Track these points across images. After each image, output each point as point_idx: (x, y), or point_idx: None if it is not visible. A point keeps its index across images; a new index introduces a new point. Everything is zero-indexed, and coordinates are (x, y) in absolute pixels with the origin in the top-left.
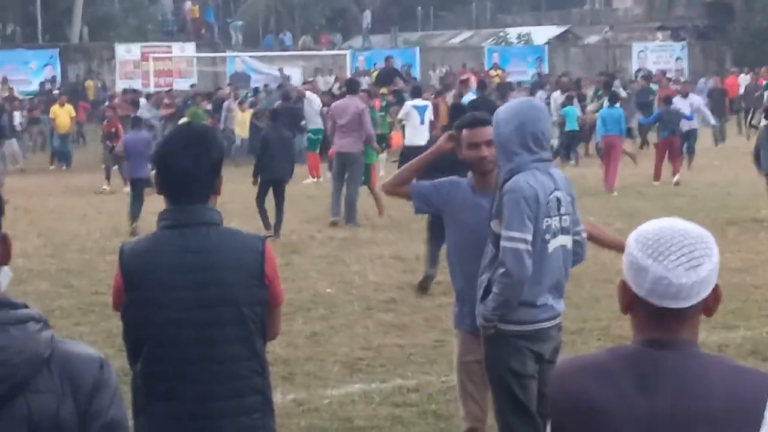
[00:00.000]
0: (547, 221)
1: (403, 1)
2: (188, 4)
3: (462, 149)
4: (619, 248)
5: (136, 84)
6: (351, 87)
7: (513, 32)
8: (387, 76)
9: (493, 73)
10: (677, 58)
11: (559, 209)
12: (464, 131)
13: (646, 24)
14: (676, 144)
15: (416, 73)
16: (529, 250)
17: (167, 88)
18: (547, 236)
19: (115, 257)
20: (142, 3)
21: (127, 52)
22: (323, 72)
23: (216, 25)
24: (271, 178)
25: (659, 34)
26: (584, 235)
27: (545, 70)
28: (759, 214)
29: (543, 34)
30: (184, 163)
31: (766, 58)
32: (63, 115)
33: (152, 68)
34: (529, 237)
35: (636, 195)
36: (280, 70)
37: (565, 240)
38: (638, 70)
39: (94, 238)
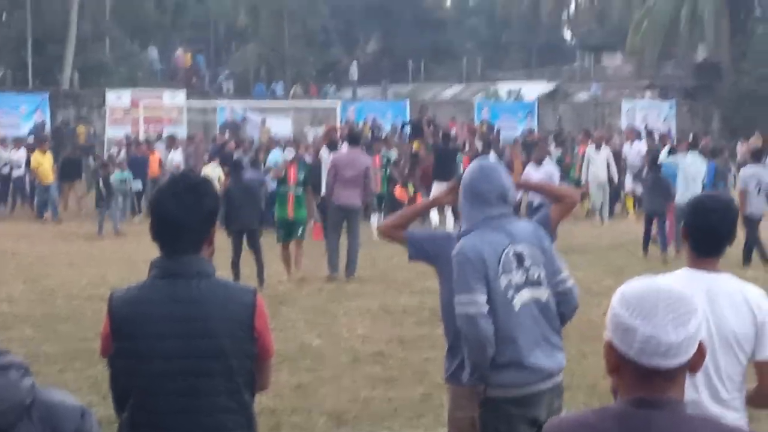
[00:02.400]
0: (505, 278)
1: (395, 53)
2: (180, 52)
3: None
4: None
5: (126, 131)
6: (353, 139)
7: (503, 87)
8: (419, 128)
9: (480, 127)
10: (665, 117)
11: (521, 263)
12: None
13: (635, 82)
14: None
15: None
16: (482, 312)
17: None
18: (510, 293)
19: (102, 305)
20: (132, 51)
21: (117, 98)
22: (313, 123)
23: (207, 73)
24: (240, 230)
25: (648, 93)
26: (569, 284)
27: (534, 125)
28: (746, 273)
29: (533, 90)
30: (177, 213)
31: (753, 119)
32: (46, 163)
33: (142, 115)
34: (480, 298)
35: (626, 253)
36: (244, 118)
37: (538, 293)
38: (626, 128)
39: (81, 284)
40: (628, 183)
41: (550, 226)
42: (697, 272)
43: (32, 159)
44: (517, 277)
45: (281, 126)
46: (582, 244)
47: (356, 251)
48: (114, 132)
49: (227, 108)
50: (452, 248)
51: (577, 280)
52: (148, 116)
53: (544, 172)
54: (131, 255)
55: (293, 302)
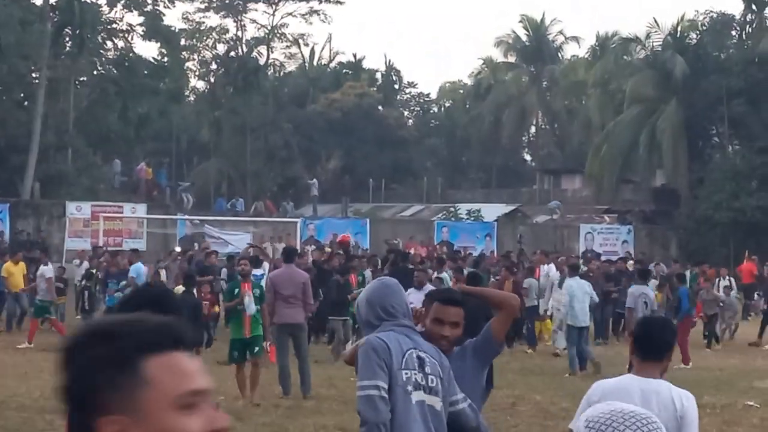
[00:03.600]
0: (406, 373)
1: (356, 171)
2: (142, 165)
3: (427, 320)
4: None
5: (85, 243)
6: (289, 256)
7: (463, 208)
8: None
9: (439, 248)
10: (623, 242)
11: (422, 367)
12: (435, 304)
13: (594, 206)
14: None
15: (366, 244)
16: (382, 396)
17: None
18: (409, 387)
19: (54, 417)
20: (94, 163)
21: (77, 210)
22: (273, 239)
23: (168, 187)
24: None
25: (606, 217)
26: (461, 406)
27: (494, 246)
28: (702, 400)
29: (492, 211)
30: None
31: (710, 245)
32: (18, 273)
33: (102, 227)
34: (381, 383)
35: (582, 376)
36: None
37: (431, 399)
38: (584, 251)
39: (33, 396)
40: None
41: (493, 339)
42: (637, 378)
43: (3, 269)
44: (417, 376)
45: (241, 242)
46: (539, 365)
47: (307, 370)
48: (73, 244)
49: (187, 222)
50: None
51: (534, 402)
52: (108, 229)
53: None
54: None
55: (249, 419)
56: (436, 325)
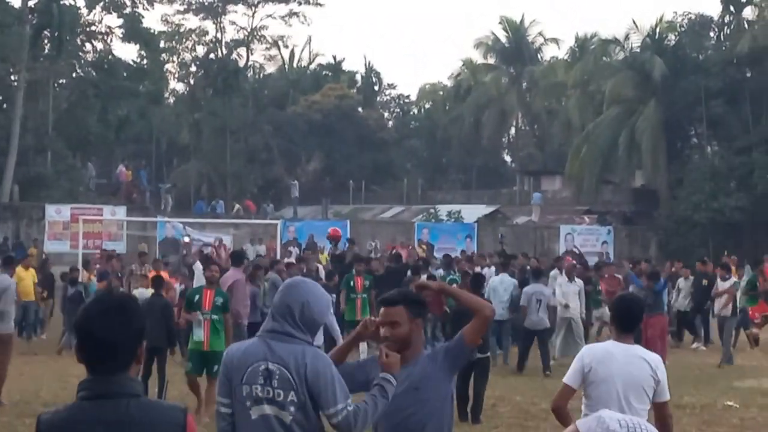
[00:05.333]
0: (247, 388)
1: (336, 173)
2: (122, 167)
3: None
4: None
5: (65, 246)
6: (235, 259)
7: (443, 209)
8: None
9: (418, 248)
10: (603, 242)
11: (268, 381)
12: (382, 308)
13: (574, 207)
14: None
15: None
16: (221, 412)
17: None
18: (248, 402)
19: (33, 420)
20: (74, 165)
21: (57, 213)
22: (253, 241)
23: (148, 189)
24: (149, 347)
25: (586, 218)
26: (340, 417)
27: (474, 247)
28: (682, 400)
29: (473, 212)
30: (104, 333)
31: (689, 245)
32: (28, 279)
33: (81, 230)
34: (222, 399)
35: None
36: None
37: (280, 413)
38: (565, 252)
39: (14, 400)
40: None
41: (465, 345)
42: (618, 344)
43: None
44: (259, 391)
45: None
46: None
47: None
48: (53, 246)
49: (167, 224)
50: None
51: (514, 403)
52: (87, 231)
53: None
54: (66, 370)
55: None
56: (381, 327)
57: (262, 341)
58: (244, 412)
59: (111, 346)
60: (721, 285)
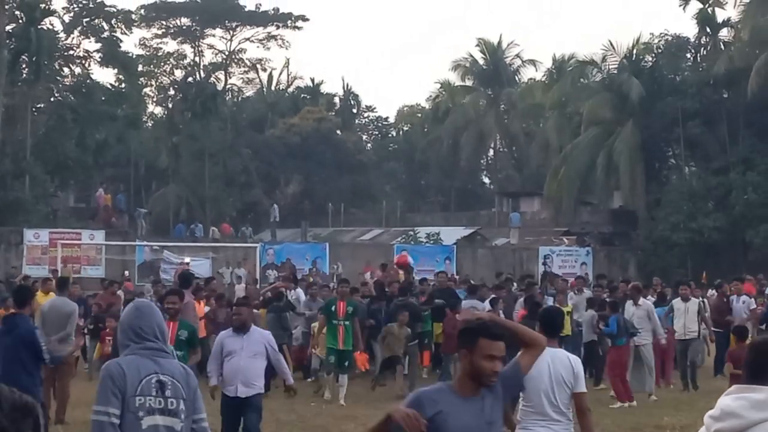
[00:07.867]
0: (140, 399)
1: (315, 195)
2: (101, 192)
3: (478, 358)
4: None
5: (44, 271)
6: (183, 282)
7: (422, 231)
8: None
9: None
10: (582, 263)
11: (161, 391)
12: (483, 340)
13: (552, 228)
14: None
15: (325, 268)
16: (112, 422)
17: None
18: (141, 413)
19: None
20: (52, 189)
21: (35, 237)
22: (232, 264)
23: (127, 213)
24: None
25: (565, 239)
26: (204, 424)
27: (453, 269)
28: (662, 421)
29: (452, 234)
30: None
31: (668, 265)
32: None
33: (60, 254)
34: (113, 410)
35: None
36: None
37: (172, 422)
38: (544, 273)
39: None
40: None
41: (521, 374)
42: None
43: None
44: (154, 402)
45: (200, 267)
46: None
47: None
48: (32, 271)
49: (146, 248)
50: (445, 400)
51: None
52: (66, 256)
53: None
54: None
55: None
56: (490, 361)
57: (147, 357)
58: (134, 423)
59: None
60: (632, 309)
